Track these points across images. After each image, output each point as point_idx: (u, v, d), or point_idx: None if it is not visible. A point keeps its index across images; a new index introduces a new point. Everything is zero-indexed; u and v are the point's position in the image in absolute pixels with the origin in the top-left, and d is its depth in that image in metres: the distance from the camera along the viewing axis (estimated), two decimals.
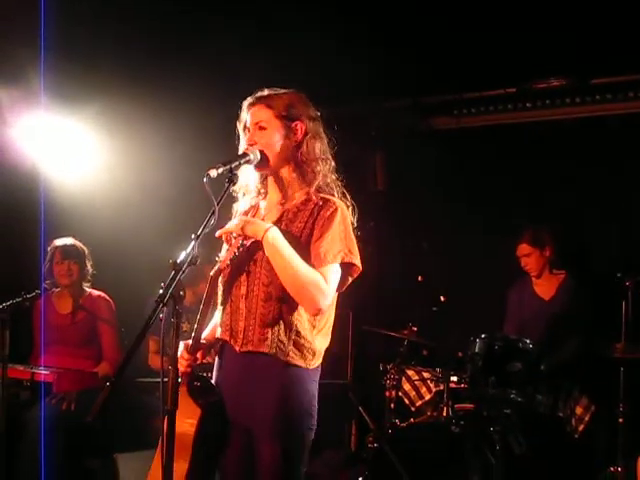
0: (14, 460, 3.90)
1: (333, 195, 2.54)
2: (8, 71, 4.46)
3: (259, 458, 2.47)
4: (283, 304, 2.42)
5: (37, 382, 4.04)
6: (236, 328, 2.49)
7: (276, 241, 2.38)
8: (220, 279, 2.57)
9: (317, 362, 2.52)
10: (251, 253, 2.50)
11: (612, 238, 4.90)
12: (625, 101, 5.02)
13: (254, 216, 2.62)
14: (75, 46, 4.47)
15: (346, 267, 2.47)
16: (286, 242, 2.39)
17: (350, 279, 2.53)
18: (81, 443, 4.26)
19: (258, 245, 2.47)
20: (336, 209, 2.47)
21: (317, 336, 2.50)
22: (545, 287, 4.73)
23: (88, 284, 4.62)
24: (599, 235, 4.95)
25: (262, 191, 2.65)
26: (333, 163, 2.60)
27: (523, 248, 4.68)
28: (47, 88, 4.55)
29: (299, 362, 2.45)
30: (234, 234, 2.50)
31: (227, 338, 2.52)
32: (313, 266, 2.41)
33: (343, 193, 2.59)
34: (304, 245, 2.45)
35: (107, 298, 4.64)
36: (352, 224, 2.52)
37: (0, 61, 4.40)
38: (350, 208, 2.57)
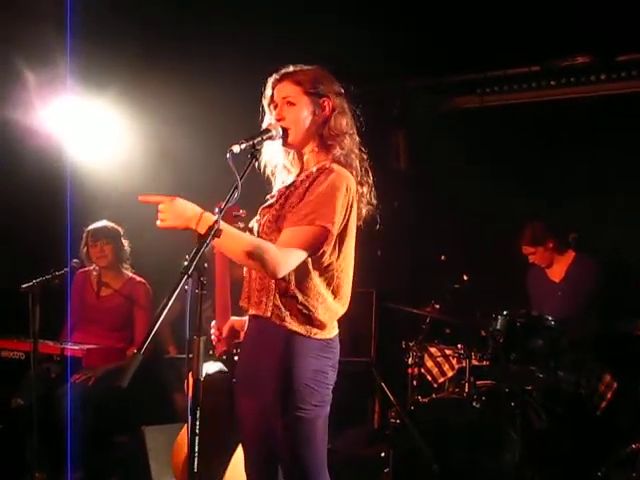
0: (45, 436, 3.95)
1: (353, 169, 2.51)
2: (35, 54, 4.49)
3: (273, 430, 2.44)
4: None
5: (67, 357, 4.07)
6: (249, 293, 2.55)
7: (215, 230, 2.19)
8: None
9: (323, 334, 2.46)
10: (261, 218, 2.55)
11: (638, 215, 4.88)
12: None
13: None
14: (101, 28, 4.50)
15: (320, 230, 2.37)
16: (225, 225, 2.25)
17: (325, 245, 2.40)
18: (109, 418, 4.33)
19: (265, 212, 2.53)
20: (330, 173, 2.42)
21: (321, 305, 2.44)
22: (556, 270, 4.77)
23: (129, 268, 4.65)
24: (625, 211, 4.92)
25: (292, 169, 2.63)
26: (358, 138, 2.59)
27: (526, 249, 4.74)
28: (73, 70, 4.58)
29: (298, 329, 2.42)
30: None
31: (245, 305, 2.58)
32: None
33: (366, 169, 2.57)
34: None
35: (147, 285, 4.64)
36: (348, 190, 2.42)
37: (27, 44, 4.44)
38: (367, 187, 2.55)
